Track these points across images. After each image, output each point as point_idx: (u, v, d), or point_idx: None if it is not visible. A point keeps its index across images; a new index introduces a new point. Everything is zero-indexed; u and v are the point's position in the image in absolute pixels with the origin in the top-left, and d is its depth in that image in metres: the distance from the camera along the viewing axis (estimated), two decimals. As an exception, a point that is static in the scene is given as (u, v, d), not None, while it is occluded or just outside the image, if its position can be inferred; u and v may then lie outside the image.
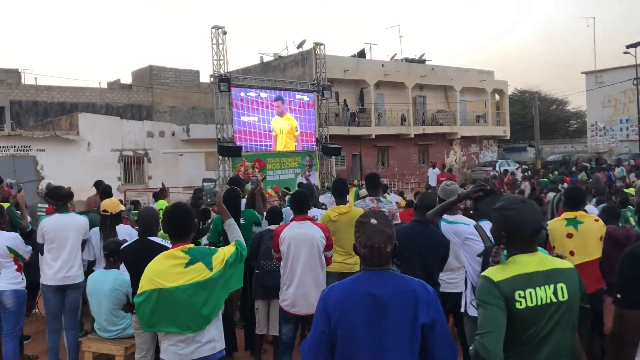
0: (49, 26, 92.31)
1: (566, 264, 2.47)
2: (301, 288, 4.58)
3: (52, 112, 27.67)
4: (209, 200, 3.48)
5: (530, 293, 2.29)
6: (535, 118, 32.53)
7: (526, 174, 21.23)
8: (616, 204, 8.50)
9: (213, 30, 18.92)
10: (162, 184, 18.27)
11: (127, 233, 5.42)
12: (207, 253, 3.13)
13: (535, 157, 33.07)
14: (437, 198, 4.80)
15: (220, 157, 19.50)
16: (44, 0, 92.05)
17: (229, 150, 18.82)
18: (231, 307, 5.97)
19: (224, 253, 3.14)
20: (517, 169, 25.43)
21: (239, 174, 17.72)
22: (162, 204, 11.95)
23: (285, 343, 4.72)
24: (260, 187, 6.87)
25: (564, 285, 2.34)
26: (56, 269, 5.13)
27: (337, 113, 28.44)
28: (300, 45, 27.41)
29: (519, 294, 2.29)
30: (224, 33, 18.99)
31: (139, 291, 3.07)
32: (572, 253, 4.73)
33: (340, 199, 5.91)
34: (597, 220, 4.98)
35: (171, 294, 2.98)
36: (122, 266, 4.80)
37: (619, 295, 2.28)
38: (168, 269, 3.04)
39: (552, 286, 2.32)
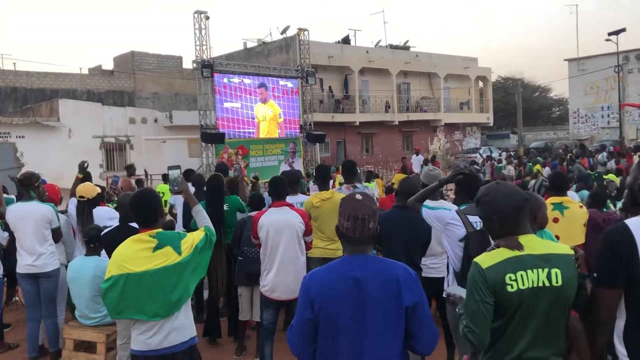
0: (28, 11, 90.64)
1: (564, 248, 2.45)
2: (281, 273, 4.57)
3: (31, 99, 27.19)
4: (175, 188, 3.44)
5: (521, 275, 2.29)
6: (518, 105, 32.73)
7: (511, 159, 21.41)
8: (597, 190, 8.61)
9: (195, 15, 18.70)
10: (145, 171, 18.18)
11: (106, 216, 5.36)
12: (176, 237, 3.08)
13: (518, 143, 33.33)
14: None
15: (204, 144, 19.37)
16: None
17: (212, 137, 18.69)
18: (216, 293, 5.96)
19: (193, 238, 3.10)
20: (500, 155, 25.61)
21: (222, 161, 17.65)
22: (163, 188, 11.84)
23: (267, 328, 4.72)
24: (243, 174, 6.84)
25: (558, 271, 2.32)
26: (24, 258, 5.07)
27: (322, 100, 28.36)
28: (284, 31, 27.24)
29: (510, 277, 2.29)
30: (207, 18, 18.77)
31: (106, 277, 3.01)
32: (557, 237, 4.79)
33: (323, 185, 5.91)
34: (581, 207, 5.07)
35: (139, 279, 2.93)
36: (104, 253, 4.77)
37: (595, 274, 2.33)
38: (135, 254, 2.99)
39: (545, 270, 2.31)
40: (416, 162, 20.94)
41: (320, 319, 2.34)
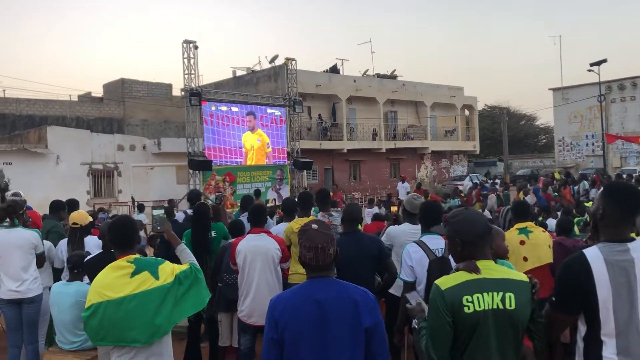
0: (19, 38, 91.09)
1: (520, 275, 2.59)
2: (257, 299, 4.68)
3: (20, 125, 27.26)
4: (158, 227, 3.58)
5: (477, 298, 2.43)
6: (504, 133, 33.26)
7: (495, 185, 21.64)
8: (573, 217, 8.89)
9: (184, 45, 18.99)
10: (132, 198, 18.23)
11: (96, 245, 5.46)
12: (153, 263, 3.15)
13: (504, 171, 33.72)
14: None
15: (191, 171, 19.48)
16: (15, 12, 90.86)
17: (199, 164, 18.82)
18: (199, 319, 6.03)
19: (174, 267, 3.15)
20: (487, 182, 25.85)
21: (209, 187, 17.80)
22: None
23: (244, 353, 4.82)
24: (224, 202, 6.98)
25: (512, 295, 2.45)
26: (7, 283, 5.15)
27: (310, 127, 28.66)
28: (272, 60, 27.64)
29: (467, 299, 2.43)
30: (196, 47, 19.07)
31: (86, 305, 3.06)
32: (525, 259, 5.01)
33: (304, 212, 6.04)
34: (544, 232, 5.33)
35: (118, 305, 2.97)
36: (86, 278, 4.86)
37: (553, 299, 2.51)
38: (114, 280, 3.04)
39: (500, 293, 2.45)
40: (402, 189, 21.16)
41: (284, 339, 2.46)
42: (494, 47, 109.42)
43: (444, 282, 2.51)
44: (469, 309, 2.41)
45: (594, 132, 37.84)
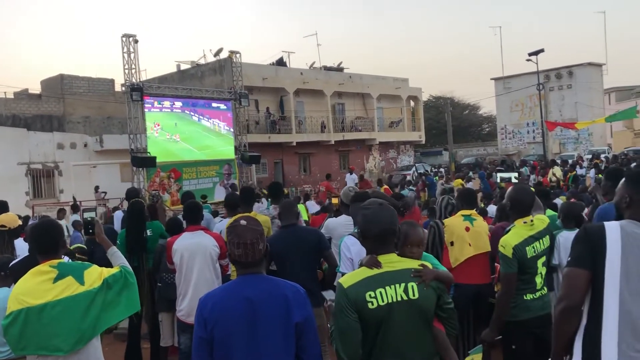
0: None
1: (419, 264, 2.61)
2: (196, 298, 4.55)
3: (-50, 125, 25.95)
4: (90, 230, 3.46)
5: (380, 292, 2.44)
6: (448, 123, 33.87)
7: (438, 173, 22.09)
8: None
9: (124, 39, 18.47)
10: (74, 198, 17.65)
11: (26, 248, 5.25)
12: (79, 267, 3.03)
13: (449, 160, 34.39)
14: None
15: (135, 168, 19.00)
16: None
17: (143, 160, 18.35)
18: (138, 319, 5.89)
19: (102, 271, 3.03)
20: (425, 171, 26.33)
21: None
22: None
23: (184, 352, 4.73)
24: (161, 200, 6.85)
25: (414, 284, 2.49)
26: None
27: (258, 121, 28.46)
28: (217, 53, 27.20)
29: (370, 295, 2.44)
30: (136, 42, 18.57)
31: (6, 313, 2.89)
32: (469, 244, 5.11)
33: (246, 208, 5.97)
34: (483, 221, 5.41)
35: (40, 312, 2.84)
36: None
37: (569, 258, 2.41)
38: (36, 286, 2.90)
39: (402, 285, 2.47)
40: (350, 180, 21.30)
41: (214, 337, 2.42)
42: (438, 39, 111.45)
43: (347, 280, 2.53)
44: (372, 304, 2.43)
45: (534, 119, 39.08)
